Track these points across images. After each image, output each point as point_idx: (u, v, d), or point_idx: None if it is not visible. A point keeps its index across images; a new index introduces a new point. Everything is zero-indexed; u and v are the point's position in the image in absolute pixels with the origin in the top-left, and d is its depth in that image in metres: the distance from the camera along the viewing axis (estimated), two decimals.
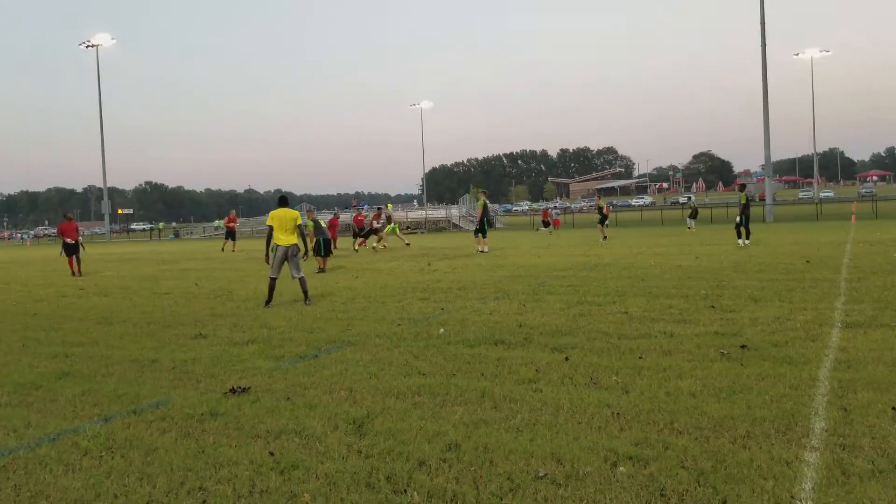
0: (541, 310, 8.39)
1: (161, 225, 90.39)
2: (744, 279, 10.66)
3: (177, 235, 71.22)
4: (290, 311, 9.20)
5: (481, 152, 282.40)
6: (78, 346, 7.37)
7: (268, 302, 9.90)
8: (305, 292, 9.96)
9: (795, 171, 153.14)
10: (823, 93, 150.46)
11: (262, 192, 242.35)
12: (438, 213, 56.42)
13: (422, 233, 48.94)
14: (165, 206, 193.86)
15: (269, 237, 9.92)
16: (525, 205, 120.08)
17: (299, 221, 9.88)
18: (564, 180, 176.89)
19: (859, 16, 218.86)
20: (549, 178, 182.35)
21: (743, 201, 18.30)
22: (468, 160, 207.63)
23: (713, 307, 8.06)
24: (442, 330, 7.24)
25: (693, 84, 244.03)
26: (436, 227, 53.22)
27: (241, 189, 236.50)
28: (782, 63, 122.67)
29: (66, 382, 5.77)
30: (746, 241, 18.13)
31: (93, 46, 59.35)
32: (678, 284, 10.34)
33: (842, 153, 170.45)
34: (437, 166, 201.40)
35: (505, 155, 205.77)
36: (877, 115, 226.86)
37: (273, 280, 9.89)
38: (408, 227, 52.14)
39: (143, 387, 5.51)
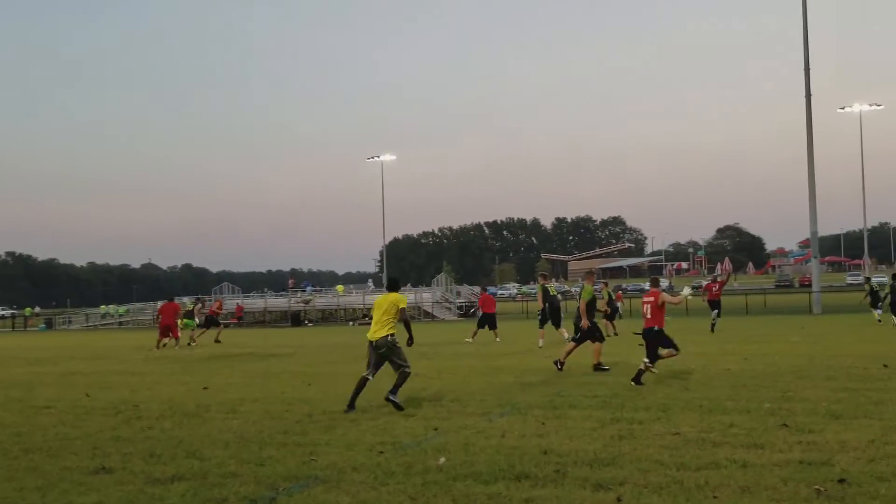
0: (567, 430, 8.23)
1: (28, 310, 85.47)
2: (813, 389, 10.69)
3: (49, 325, 68.54)
4: (226, 433, 8.80)
5: (457, 219, 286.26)
6: None
7: (349, 406, 10.16)
8: (396, 387, 10.21)
9: (840, 250, 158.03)
10: (873, 155, 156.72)
11: (164, 267, 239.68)
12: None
13: None
14: (32, 285, 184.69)
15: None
16: (513, 287, 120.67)
17: (401, 305, 10.30)
18: (561, 257, 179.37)
19: None
20: (543, 255, 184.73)
21: None
22: (440, 229, 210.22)
23: (786, 426, 8.01)
24: (442, 459, 7.00)
25: (717, 145, 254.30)
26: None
27: (136, 263, 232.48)
28: (823, 121, 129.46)
29: None
30: None
31: None
32: (733, 395, 10.31)
33: (895, 229, 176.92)
34: (399, 236, 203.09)
35: (487, 224, 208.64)
36: None
37: (363, 379, 10.37)
38: (364, 316, 51.89)
39: None
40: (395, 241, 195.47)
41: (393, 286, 11.02)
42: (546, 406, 9.92)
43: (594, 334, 14.33)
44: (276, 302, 60.00)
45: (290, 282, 64.20)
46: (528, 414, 9.36)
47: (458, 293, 57.33)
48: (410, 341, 10.60)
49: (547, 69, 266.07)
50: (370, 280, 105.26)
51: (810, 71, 40.55)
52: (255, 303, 60.75)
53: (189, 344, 27.00)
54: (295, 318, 54.29)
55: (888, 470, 6.13)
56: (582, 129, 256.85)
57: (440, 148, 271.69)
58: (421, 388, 12.18)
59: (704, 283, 21.68)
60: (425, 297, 54.28)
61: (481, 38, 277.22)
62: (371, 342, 10.34)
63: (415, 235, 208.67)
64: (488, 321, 24.09)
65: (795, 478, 6.02)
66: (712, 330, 24.22)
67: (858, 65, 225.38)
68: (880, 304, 28.36)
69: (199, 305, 31.49)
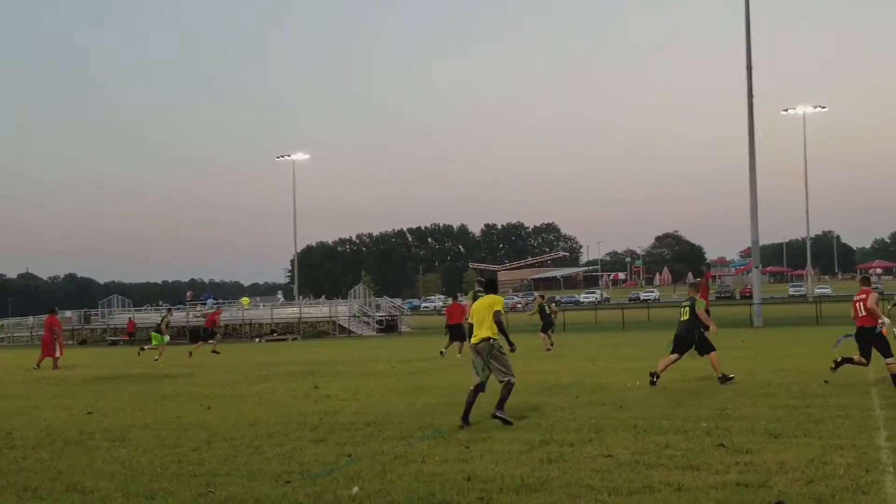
0: (493, 454, 8.30)
1: None
2: (752, 406, 11.06)
3: None
4: (113, 463, 8.58)
5: (377, 225, 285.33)
6: None
7: (464, 420, 10.26)
8: (501, 401, 10.41)
9: (782, 260, 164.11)
10: (818, 161, 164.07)
11: (45, 277, 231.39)
12: (318, 310, 55.81)
13: (294, 339, 48.07)
14: None
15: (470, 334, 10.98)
16: (438, 299, 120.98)
17: (496, 308, 10.60)
18: (490, 266, 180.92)
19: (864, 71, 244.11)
20: (471, 264, 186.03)
21: None
22: (358, 236, 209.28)
23: (723, 446, 8.26)
24: (356, 489, 7.00)
25: (655, 148, 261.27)
26: (314, 330, 52.55)
27: (12, 273, 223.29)
28: (766, 125, 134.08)
29: None
30: None
31: None
32: (669, 414, 10.58)
33: (838, 238, 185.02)
34: (313, 244, 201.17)
35: (410, 230, 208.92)
36: (882, 190, 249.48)
37: (476, 386, 10.54)
38: (273, 332, 51.21)
39: None
40: (309, 249, 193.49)
41: (490, 287, 11.46)
42: (471, 429, 9.97)
43: (707, 345, 14.62)
44: (173, 316, 58.55)
45: (188, 294, 62.88)
46: (450, 437, 9.41)
47: (378, 306, 57.05)
48: (512, 347, 10.83)
49: (475, 67, 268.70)
50: (280, 292, 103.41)
51: (752, 70, 42.07)
52: (148, 317, 59.22)
53: (157, 355, 27.60)
54: (194, 334, 53.11)
55: (826, 491, 6.39)
56: (510, 128, 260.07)
57: (358, 147, 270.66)
58: (333, 411, 12.14)
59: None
60: (341, 310, 53.80)
61: (401, 35, 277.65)
62: (473, 346, 10.75)
63: (330, 243, 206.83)
64: (454, 332, 23.98)
65: (732, 501, 6.22)
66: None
67: (801, 67, 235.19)
68: None
69: (169, 317, 32.43)
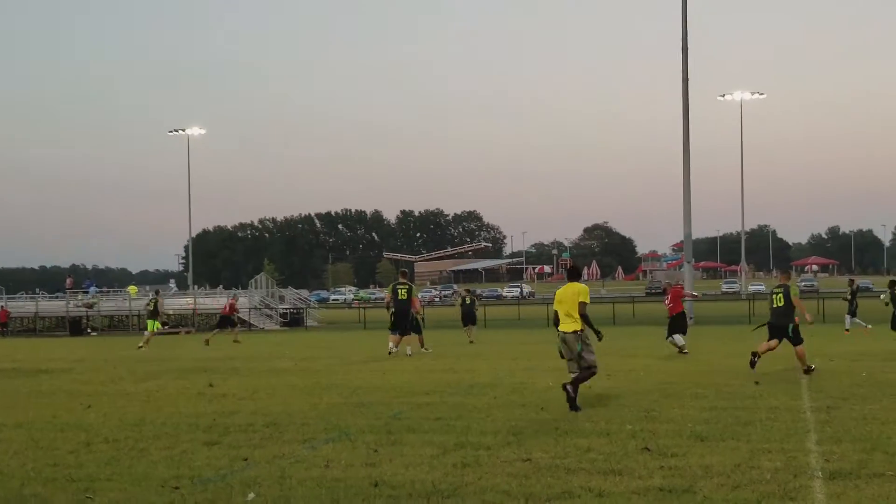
0: (403, 458, 8.35)
1: None
2: (679, 408, 11.36)
3: None
4: None
5: (282, 209, 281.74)
6: None
7: (572, 406, 11.13)
8: (577, 379, 11.41)
9: (716, 255, 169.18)
10: (754, 154, 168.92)
11: None
12: (215, 301, 55.04)
13: (188, 332, 47.33)
14: None
15: (556, 322, 11.81)
16: (348, 291, 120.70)
17: (581, 298, 11.36)
18: (406, 257, 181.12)
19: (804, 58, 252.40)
20: (385, 253, 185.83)
21: None
22: (260, 221, 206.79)
23: (648, 449, 8.47)
24: (251, 495, 6.98)
25: (584, 133, 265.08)
26: (210, 323, 51.64)
27: None
28: (701, 114, 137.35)
29: None
30: None
31: None
32: (592, 415, 10.78)
33: (774, 233, 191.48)
34: (210, 228, 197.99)
35: (319, 216, 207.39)
36: (820, 182, 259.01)
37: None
38: (164, 324, 50.27)
39: None
40: (205, 234, 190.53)
41: (574, 275, 12.11)
42: (380, 430, 10.02)
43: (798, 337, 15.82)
44: (51, 305, 57.18)
45: (68, 281, 61.09)
46: (357, 440, 9.43)
47: (282, 298, 56.71)
48: (599, 336, 11.85)
49: (389, 41, 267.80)
50: (172, 281, 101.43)
51: (688, 51, 43.03)
52: (23, 306, 57.57)
53: (139, 347, 28.22)
54: (74, 326, 51.86)
55: (753, 497, 6.62)
56: (430, 105, 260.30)
57: (261, 122, 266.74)
58: (229, 411, 12.06)
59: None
60: (241, 301, 53.14)
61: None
62: (561, 335, 11.58)
63: (230, 227, 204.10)
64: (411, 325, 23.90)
65: None
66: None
67: (738, 54, 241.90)
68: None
69: (160, 300, 32.83)
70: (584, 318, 11.35)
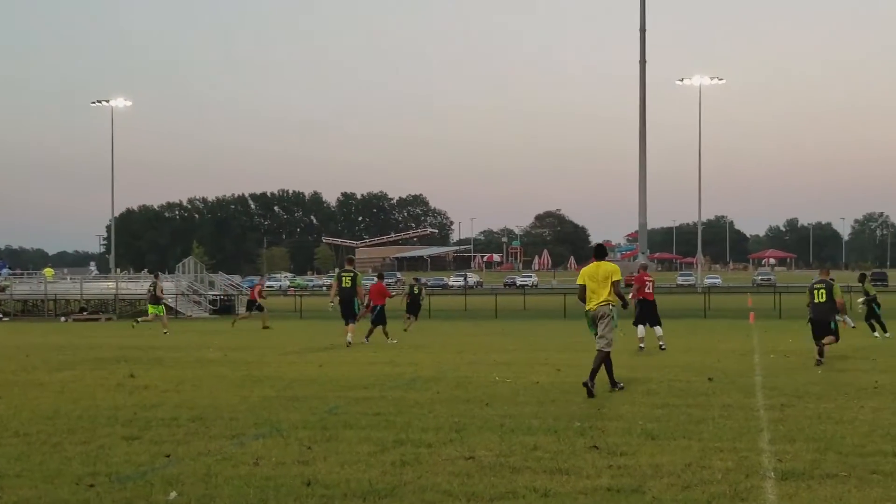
0: (339, 455, 8.35)
1: None
2: (630, 405, 11.50)
3: None
4: None
5: (213, 189, 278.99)
6: None
7: (612, 384, 12.84)
8: (593, 371, 12.49)
9: (672, 246, 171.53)
10: (712, 142, 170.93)
11: None
12: (138, 286, 54.37)
13: (108, 319, 46.73)
14: None
15: (582, 298, 12.94)
16: (284, 278, 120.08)
17: (615, 277, 12.60)
18: (347, 242, 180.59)
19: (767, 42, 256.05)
20: (324, 238, 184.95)
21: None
22: (189, 200, 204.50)
23: (596, 447, 8.57)
24: (173, 494, 6.94)
25: (537, 117, 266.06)
26: (134, 309, 51.17)
27: None
28: (659, 100, 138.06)
29: None
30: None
31: None
32: (540, 412, 10.86)
33: (731, 224, 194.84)
34: (134, 207, 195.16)
35: (253, 196, 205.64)
36: (779, 172, 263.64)
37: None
38: (82, 310, 49.58)
39: None
40: (129, 214, 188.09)
41: (601, 253, 13.18)
42: (314, 426, 10.01)
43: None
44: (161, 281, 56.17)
45: None
46: (290, 436, 9.41)
47: (212, 283, 56.29)
48: (625, 305, 13.55)
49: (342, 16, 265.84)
50: (93, 263, 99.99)
51: (646, 32, 43.51)
52: None
53: (164, 332, 29.21)
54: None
55: (703, 497, 6.74)
56: (373, 85, 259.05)
57: (191, 95, 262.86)
58: (152, 404, 11.97)
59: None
60: (167, 286, 52.60)
61: None
62: (590, 312, 12.77)
63: (156, 207, 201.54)
64: (377, 316, 24.13)
65: None
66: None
67: (698, 38, 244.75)
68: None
69: (159, 283, 33.84)
70: (619, 296, 12.77)
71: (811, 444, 8.75)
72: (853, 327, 26.30)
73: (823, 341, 16.74)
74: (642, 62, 43.57)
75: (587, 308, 12.80)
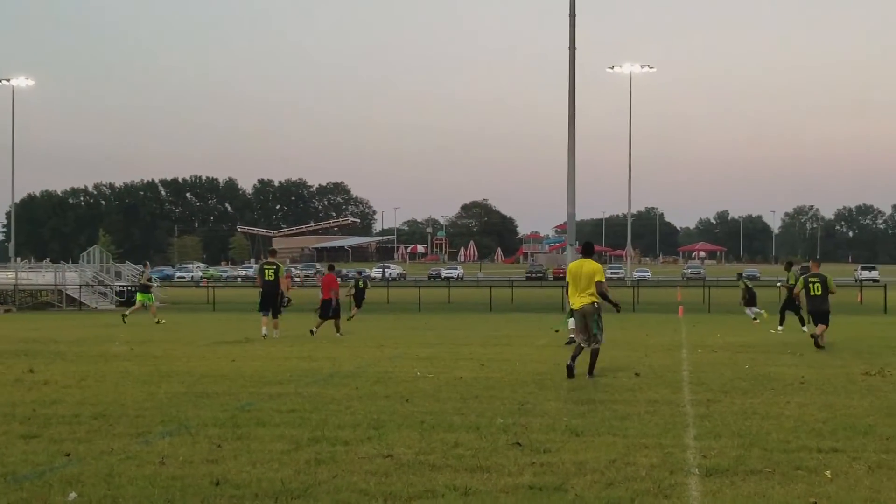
0: (250, 453, 8.33)
1: None
2: (555, 401, 11.65)
3: None
4: None
5: (121, 174, 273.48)
6: None
7: (569, 372, 13.66)
8: (591, 367, 13.85)
9: (602, 238, 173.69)
10: (642, 128, 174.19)
11: None
12: (40, 276, 53.56)
13: (7, 311, 45.85)
14: None
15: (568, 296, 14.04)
16: (196, 269, 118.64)
17: (598, 278, 13.34)
18: (264, 231, 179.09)
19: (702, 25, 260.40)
20: (239, 227, 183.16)
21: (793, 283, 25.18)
22: (95, 186, 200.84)
23: (519, 444, 8.67)
24: (73, 495, 6.86)
25: (464, 105, 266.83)
26: (35, 301, 50.65)
27: None
28: (587, 88, 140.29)
29: None
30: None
31: None
32: (462, 408, 10.94)
33: (662, 216, 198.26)
34: (36, 193, 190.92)
35: (164, 182, 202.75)
36: (709, 161, 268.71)
37: (578, 347, 13.93)
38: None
39: None
40: (31, 200, 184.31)
41: (588, 251, 13.87)
42: (225, 423, 9.97)
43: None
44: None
45: None
46: (199, 434, 9.36)
47: (119, 274, 55.84)
48: (617, 308, 14.20)
49: None
50: None
51: (576, 18, 43.81)
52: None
53: (156, 322, 30.57)
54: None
55: (626, 495, 6.85)
56: (291, 60, 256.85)
57: (98, 74, 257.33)
58: (51, 400, 11.81)
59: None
60: (70, 276, 51.97)
61: None
62: (575, 310, 13.60)
63: (59, 193, 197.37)
64: (326, 309, 24.26)
65: None
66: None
67: (628, 25, 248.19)
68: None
69: (147, 272, 36.41)
70: (603, 296, 13.34)
71: (736, 440, 8.97)
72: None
73: (816, 331, 18.68)
74: (572, 48, 43.63)
75: (572, 306, 13.58)
